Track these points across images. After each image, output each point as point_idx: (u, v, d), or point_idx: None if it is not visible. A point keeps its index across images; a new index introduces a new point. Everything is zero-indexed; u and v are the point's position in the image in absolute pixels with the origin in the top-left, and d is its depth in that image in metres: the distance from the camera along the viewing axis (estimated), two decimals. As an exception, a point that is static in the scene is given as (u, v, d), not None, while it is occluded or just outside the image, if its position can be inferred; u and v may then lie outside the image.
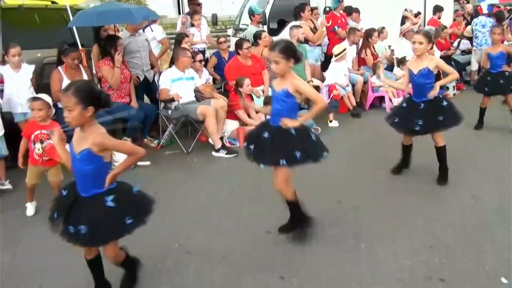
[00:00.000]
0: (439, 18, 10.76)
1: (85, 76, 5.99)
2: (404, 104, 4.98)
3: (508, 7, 12.17)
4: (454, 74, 4.95)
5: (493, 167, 5.31)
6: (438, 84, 4.79)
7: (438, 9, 10.81)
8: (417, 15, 10.54)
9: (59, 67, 5.87)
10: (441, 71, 5.39)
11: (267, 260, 3.53)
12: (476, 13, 11.69)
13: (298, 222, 3.82)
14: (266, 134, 3.65)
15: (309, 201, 3.94)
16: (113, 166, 5.47)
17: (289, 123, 3.56)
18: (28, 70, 5.77)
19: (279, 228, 3.90)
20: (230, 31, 12.38)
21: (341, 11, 9.36)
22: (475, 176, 5.06)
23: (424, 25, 11.19)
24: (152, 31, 7.60)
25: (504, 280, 3.10)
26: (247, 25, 11.22)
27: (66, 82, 5.81)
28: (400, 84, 5.53)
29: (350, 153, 6.02)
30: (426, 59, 4.75)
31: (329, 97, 7.75)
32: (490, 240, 3.67)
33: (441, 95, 4.95)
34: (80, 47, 6.29)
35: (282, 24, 10.23)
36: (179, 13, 10.58)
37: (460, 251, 3.53)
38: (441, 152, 4.83)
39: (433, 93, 4.69)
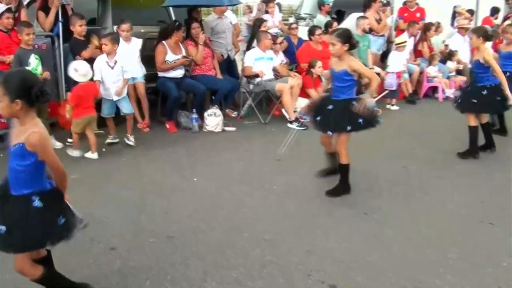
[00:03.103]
0: (496, 19, 11.32)
1: (184, 52, 7.00)
2: (331, 106, 4.52)
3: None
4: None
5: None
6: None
7: (496, 11, 11.37)
8: (472, 13, 11.12)
9: (164, 42, 6.86)
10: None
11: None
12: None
13: (341, 185, 4.55)
14: (330, 107, 4.43)
15: (378, 164, 4.81)
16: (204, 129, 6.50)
17: (361, 105, 4.24)
18: (137, 43, 6.77)
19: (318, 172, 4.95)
20: (291, 20, 13.21)
21: (417, 6, 10.07)
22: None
23: (476, 24, 11.80)
24: (233, 14, 8.54)
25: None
26: (309, 14, 12.13)
27: (170, 55, 6.83)
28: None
29: (408, 131, 6.87)
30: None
31: (397, 84, 8.52)
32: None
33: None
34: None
35: (338, 14, 10.99)
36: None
37: (507, 207, 4.36)
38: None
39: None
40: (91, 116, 5.70)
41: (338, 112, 4.37)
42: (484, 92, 5.52)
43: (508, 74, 6.28)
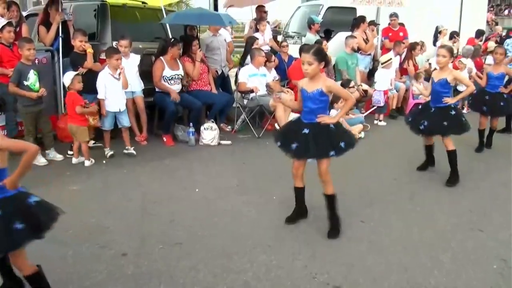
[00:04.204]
0: (480, 41, 11.81)
1: (181, 68, 7.21)
2: (307, 130, 4.06)
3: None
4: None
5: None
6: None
7: (481, 34, 11.88)
8: (456, 35, 11.53)
9: (162, 57, 7.07)
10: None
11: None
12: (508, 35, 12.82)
13: (335, 217, 4.20)
14: (306, 130, 4.00)
15: (370, 176, 5.05)
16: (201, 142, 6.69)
17: (327, 120, 4.02)
18: (135, 58, 6.95)
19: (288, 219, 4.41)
20: (279, 38, 13.53)
21: (400, 25, 10.61)
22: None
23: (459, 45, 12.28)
24: (231, 34, 8.82)
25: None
26: (297, 33, 12.44)
27: (167, 71, 7.04)
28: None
29: (397, 145, 7.15)
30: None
31: (384, 101, 8.87)
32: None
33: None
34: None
35: (326, 33, 11.34)
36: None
37: (494, 215, 4.65)
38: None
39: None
40: (71, 125, 5.97)
41: (318, 136, 3.98)
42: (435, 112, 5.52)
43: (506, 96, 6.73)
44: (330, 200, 4.17)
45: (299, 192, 4.37)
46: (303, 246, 3.93)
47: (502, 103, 6.75)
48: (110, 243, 3.97)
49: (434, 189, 5.38)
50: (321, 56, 3.97)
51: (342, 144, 4.00)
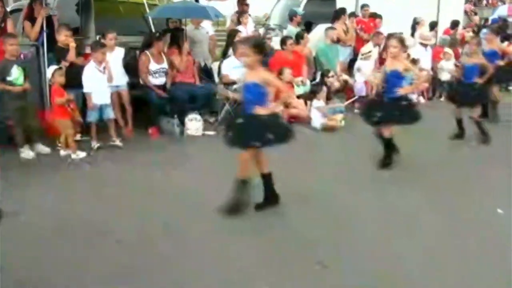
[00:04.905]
0: (456, 31, 12.06)
1: (165, 61, 7.34)
2: (241, 120, 4.44)
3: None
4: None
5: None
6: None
7: (456, 24, 12.12)
8: (434, 26, 11.77)
9: (147, 51, 7.19)
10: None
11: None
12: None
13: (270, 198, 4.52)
14: (240, 120, 4.31)
15: (359, 162, 5.28)
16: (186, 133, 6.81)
17: (260, 110, 4.19)
18: (120, 51, 7.08)
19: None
20: (261, 30, 13.67)
21: (369, 17, 10.78)
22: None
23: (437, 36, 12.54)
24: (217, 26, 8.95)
25: (499, 211, 4.45)
26: (278, 25, 12.59)
27: (152, 65, 7.17)
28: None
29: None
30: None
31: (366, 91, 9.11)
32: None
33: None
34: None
35: (307, 26, 11.51)
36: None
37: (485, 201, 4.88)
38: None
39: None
40: (55, 119, 6.18)
41: (248, 126, 4.25)
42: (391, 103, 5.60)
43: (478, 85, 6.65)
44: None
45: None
46: (291, 230, 4.12)
47: (472, 93, 6.68)
48: (100, 233, 4.06)
49: (421, 174, 5.52)
50: (258, 48, 4.18)
51: (270, 136, 4.18)
